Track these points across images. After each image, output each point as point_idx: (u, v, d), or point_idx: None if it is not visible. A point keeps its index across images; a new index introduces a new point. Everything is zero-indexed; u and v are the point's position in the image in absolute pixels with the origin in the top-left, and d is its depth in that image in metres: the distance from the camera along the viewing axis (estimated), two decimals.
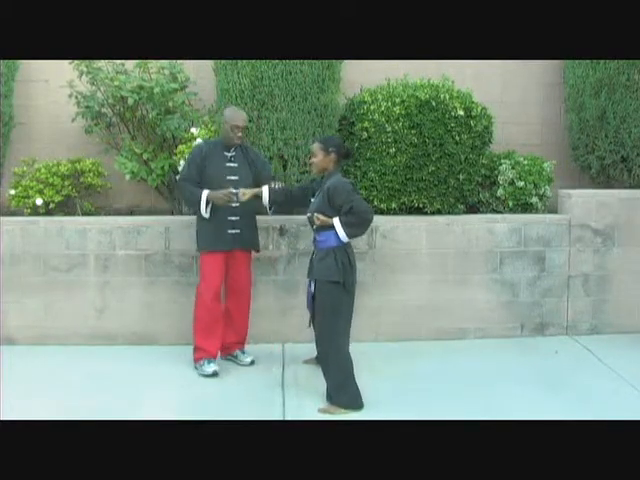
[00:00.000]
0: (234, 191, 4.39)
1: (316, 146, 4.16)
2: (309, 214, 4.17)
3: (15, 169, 5.43)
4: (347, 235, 3.99)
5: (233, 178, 4.52)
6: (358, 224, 4.02)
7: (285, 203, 4.53)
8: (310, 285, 4.20)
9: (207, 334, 4.51)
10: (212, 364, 4.47)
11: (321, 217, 4.00)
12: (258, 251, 4.80)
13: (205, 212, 4.46)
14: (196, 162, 4.52)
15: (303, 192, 4.42)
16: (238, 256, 4.60)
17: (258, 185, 4.50)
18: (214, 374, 4.43)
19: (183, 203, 5.32)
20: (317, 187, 4.28)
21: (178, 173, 5.28)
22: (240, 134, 4.54)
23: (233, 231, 4.53)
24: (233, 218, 4.52)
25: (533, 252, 5.33)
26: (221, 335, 4.57)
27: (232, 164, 4.57)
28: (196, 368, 4.52)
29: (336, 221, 3.98)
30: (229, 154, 4.57)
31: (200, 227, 4.58)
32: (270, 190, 4.41)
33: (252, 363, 4.68)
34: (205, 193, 4.43)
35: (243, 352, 4.74)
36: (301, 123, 5.13)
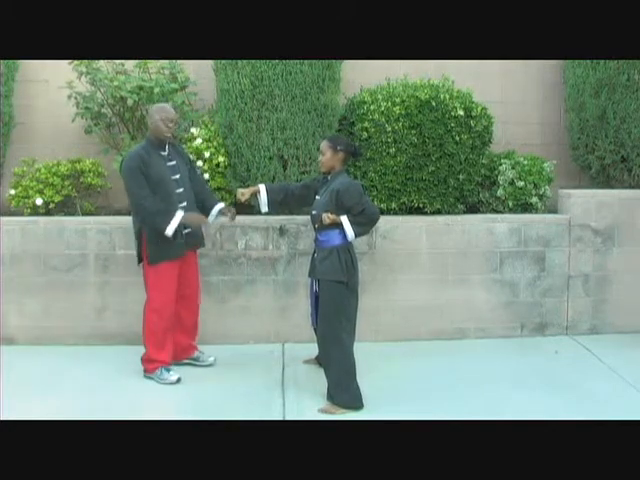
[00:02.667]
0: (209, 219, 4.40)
1: (325, 144, 4.17)
2: (314, 212, 4.17)
3: (15, 169, 5.43)
4: (355, 234, 4.01)
5: (176, 177, 4.38)
6: (366, 224, 4.08)
7: (285, 202, 4.50)
8: (312, 285, 4.20)
9: (161, 346, 4.39)
10: (172, 371, 4.38)
11: (331, 216, 4.00)
12: (203, 245, 4.70)
13: (170, 229, 4.20)
14: (139, 173, 4.21)
15: (306, 191, 4.40)
16: (189, 256, 4.49)
17: (191, 179, 4.45)
18: (178, 381, 4.33)
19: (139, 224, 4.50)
20: (320, 185, 4.27)
21: None
22: (172, 125, 4.34)
23: (186, 231, 4.37)
24: None
25: (533, 252, 5.33)
26: (171, 342, 4.45)
27: (171, 162, 4.41)
28: (152, 378, 4.38)
29: (344, 219, 4.00)
30: (165, 153, 4.41)
31: (155, 237, 4.28)
32: (268, 188, 4.40)
33: (214, 362, 4.62)
34: (179, 216, 4.21)
35: (201, 352, 4.67)
36: (301, 123, 5.13)
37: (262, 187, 4.42)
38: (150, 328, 4.39)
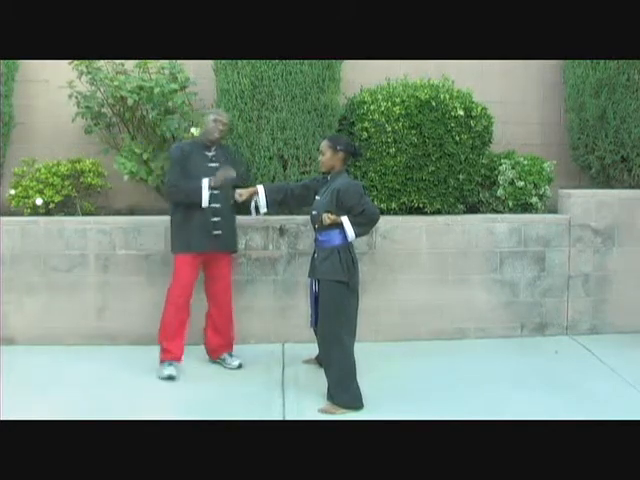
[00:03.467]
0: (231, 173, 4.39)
1: (325, 144, 4.18)
2: (314, 212, 4.17)
3: (15, 169, 5.43)
4: (356, 234, 4.02)
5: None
6: (366, 224, 4.09)
7: (285, 202, 4.49)
8: (312, 285, 4.20)
9: (173, 337, 4.48)
10: (171, 367, 4.43)
11: (331, 216, 4.01)
12: (236, 252, 4.78)
13: (205, 202, 4.38)
14: (180, 163, 4.43)
15: (306, 191, 4.39)
16: (219, 258, 4.57)
17: (238, 186, 4.50)
18: (169, 378, 4.38)
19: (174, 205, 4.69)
20: (320, 185, 4.27)
21: None
22: (222, 128, 4.50)
23: (216, 232, 4.47)
24: (215, 219, 4.47)
25: (533, 252, 5.33)
26: (184, 337, 4.51)
27: (213, 164, 4.51)
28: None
29: (345, 220, 4.00)
30: (210, 154, 4.53)
31: (179, 228, 4.50)
32: (266, 189, 4.40)
33: (240, 367, 4.63)
34: (205, 184, 4.36)
35: (231, 355, 4.69)
36: (301, 123, 5.13)
37: (260, 188, 4.41)
38: (166, 318, 4.49)
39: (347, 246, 4.06)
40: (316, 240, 4.20)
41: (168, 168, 4.57)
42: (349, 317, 4.04)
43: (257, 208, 4.47)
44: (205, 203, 4.38)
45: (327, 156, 4.15)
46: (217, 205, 4.44)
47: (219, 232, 4.48)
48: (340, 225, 4.03)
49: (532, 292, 5.35)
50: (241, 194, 4.41)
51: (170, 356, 4.46)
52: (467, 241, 5.26)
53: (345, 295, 4.00)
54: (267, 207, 4.42)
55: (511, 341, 5.25)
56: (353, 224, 4.01)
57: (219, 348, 4.69)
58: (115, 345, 5.03)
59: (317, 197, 4.24)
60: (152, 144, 5.50)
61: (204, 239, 4.44)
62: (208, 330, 4.66)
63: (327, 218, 4.02)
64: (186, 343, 4.77)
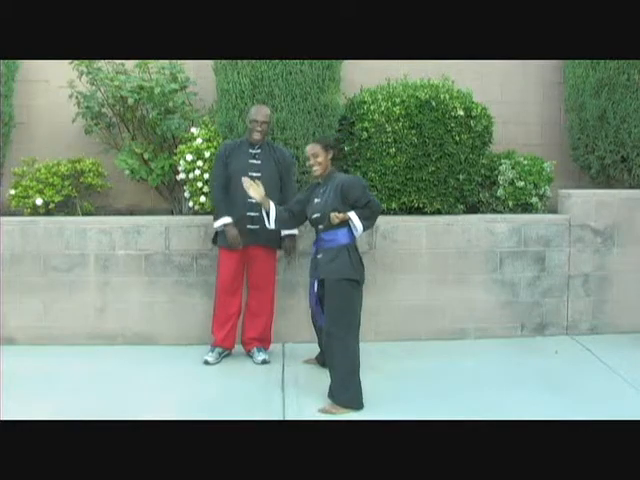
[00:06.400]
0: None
1: (318, 148, 4.15)
2: (317, 214, 4.14)
3: (15, 169, 5.43)
4: (364, 228, 4.05)
5: (255, 175, 4.52)
6: (371, 217, 4.11)
7: (288, 221, 4.38)
8: (313, 285, 4.20)
9: (220, 326, 4.68)
10: (211, 353, 4.68)
11: (339, 215, 4.01)
12: (280, 248, 4.79)
13: (216, 225, 4.61)
14: (221, 160, 4.62)
15: (301, 206, 4.31)
16: (258, 253, 4.65)
17: (282, 184, 4.65)
18: (205, 362, 4.64)
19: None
20: (312, 191, 4.26)
21: (178, 173, 5.29)
22: (259, 129, 4.57)
23: (252, 227, 4.56)
24: (252, 214, 4.55)
25: (533, 252, 5.33)
26: (235, 329, 4.73)
27: (255, 161, 4.60)
28: None
29: (353, 215, 4.02)
30: (253, 151, 4.63)
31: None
32: (277, 209, 4.28)
33: (263, 362, 4.68)
34: (226, 221, 4.54)
35: (259, 350, 4.75)
36: (301, 123, 5.13)
37: (272, 205, 4.26)
38: (215, 306, 4.72)
39: (354, 244, 4.10)
40: (319, 241, 4.17)
41: (214, 164, 4.77)
42: (356, 316, 4.04)
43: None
44: (214, 226, 4.62)
45: (322, 158, 4.14)
46: (253, 200, 4.37)
47: (256, 227, 4.54)
48: (346, 223, 4.03)
49: (532, 292, 5.35)
50: (254, 187, 4.23)
51: (217, 342, 4.70)
52: (467, 241, 5.27)
53: (354, 293, 4.02)
54: (275, 224, 4.30)
55: (511, 341, 5.24)
56: (360, 218, 4.03)
57: (251, 341, 4.79)
58: (115, 345, 5.03)
59: (316, 200, 4.19)
60: (152, 144, 5.51)
61: (241, 233, 4.55)
62: (245, 320, 4.79)
63: (335, 217, 4.01)
64: (186, 344, 4.79)
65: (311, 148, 4.19)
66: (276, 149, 4.75)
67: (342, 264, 4.00)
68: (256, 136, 4.59)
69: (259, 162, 4.60)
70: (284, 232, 4.70)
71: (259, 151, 4.64)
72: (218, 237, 4.68)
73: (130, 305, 5.07)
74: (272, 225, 4.30)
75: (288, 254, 4.84)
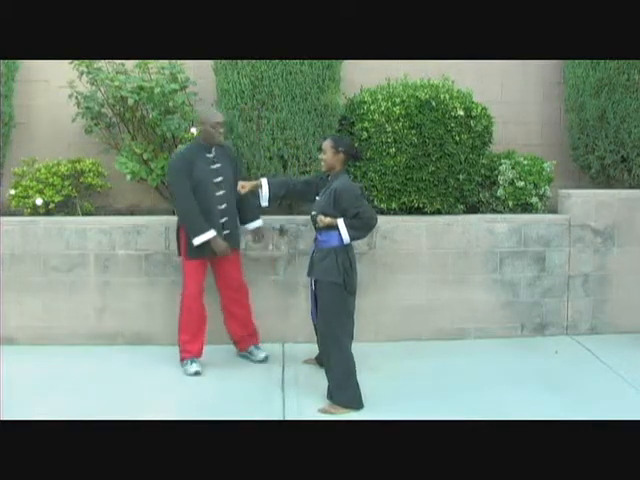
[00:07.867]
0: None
1: (327, 143, 4.17)
2: (313, 213, 4.17)
3: (15, 169, 5.42)
4: (350, 237, 4.01)
5: (218, 180, 4.51)
6: (361, 228, 4.06)
7: (287, 197, 4.49)
8: (311, 284, 4.21)
9: (192, 338, 4.56)
10: (194, 364, 4.52)
11: (326, 220, 4.01)
12: (238, 247, 4.78)
13: (200, 241, 4.41)
14: (184, 172, 4.41)
15: (308, 187, 4.37)
16: (228, 256, 4.58)
17: (236, 182, 4.50)
18: (196, 374, 4.47)
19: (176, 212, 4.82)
20: (322, 184, 4.27)
21: None
22: (222, 130, 4.56)
23: (225, 232, 4.54)
24: (223, 220, 4.53)
25: (533, 252, 5.33)
26: (204, 335, 4.61)
27: (215, 165, 4.55)
28: (182, 367, 4.58)
29: (340, 222, 3.99)
30: (210, 155, 4.55)
31: (191, 234, 4.46)
32: (269, 183, 4.38)
33: (266, 359, 4.70)
34: (209, 235, 4.39)
35: (258, 347, 4.77)
36: (301, 123, 5.13)
37: (264, 181, 4.37)
38: (185, 317, 4.56)
39: (345, 248, 4.05)
40: (316, 239, 4.21)
41: (173, 179, 4.51)
42: (346, 318, 4.04)
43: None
44: (196, 243, 4.41)
45: (328, 155, 4.15)
46: (224, 206, 4.50)
47: (227, 231, 4.55)
48: (337, 227, 4.03)
49: (532, 292, 5.35)
50: (243, 186, 4.37)
51: (189, 355, 4.56)
52: (467, 241, 5.26)
53: (341, 296, 4.00)
54: (268, 201, 4.39)
55: (511, 341, 5.24)
56: (348, 227, 3.98)
57: (244, 339, 4.76)
58: (115, 345, 5.03)
59: (317, 198, 4.23)
60: (152, 144, 5.50)
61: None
62: (227, 321, 4.74)
63: (320, 221, 4.03)
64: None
65: (323, 142, 4.24)
66: (225, 147, 4.71)
67: (329, 266, 4.00)
68: (221, 138, 4.56)
69: (219, 165, 4.55)
70: (251, 226, 4.75)
71: (215, 154, 4.57)
72: (191, 249, 4.47)
73: (130, 305, 5.07)
74: (264, 203, 4.39)
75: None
